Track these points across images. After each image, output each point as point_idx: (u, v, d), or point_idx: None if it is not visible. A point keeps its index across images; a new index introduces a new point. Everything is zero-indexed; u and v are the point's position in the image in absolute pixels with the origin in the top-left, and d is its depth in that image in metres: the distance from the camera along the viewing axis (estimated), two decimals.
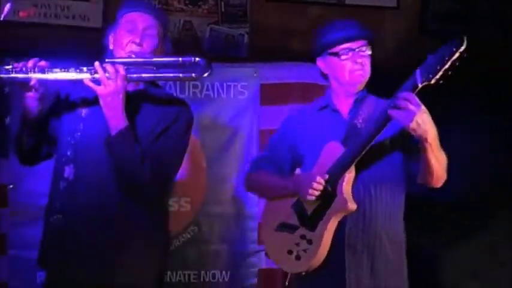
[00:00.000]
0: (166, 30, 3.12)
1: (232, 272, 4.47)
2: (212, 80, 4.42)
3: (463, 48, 2.58)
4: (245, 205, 4.49)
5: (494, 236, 4.71)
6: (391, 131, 2.92)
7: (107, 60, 2.88)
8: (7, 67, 2.84)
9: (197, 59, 2.89)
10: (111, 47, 3.06)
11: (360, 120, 3.00)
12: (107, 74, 2.80)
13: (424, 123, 2.67)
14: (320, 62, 3.14)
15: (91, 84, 2.82)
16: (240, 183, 4.43)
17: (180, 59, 2.90)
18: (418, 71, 2.66)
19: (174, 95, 3.77)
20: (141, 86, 3.05)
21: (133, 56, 2.92)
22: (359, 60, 3.02)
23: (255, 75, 4.51)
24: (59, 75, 2.85)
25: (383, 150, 2.97)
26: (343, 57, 3.02)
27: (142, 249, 2.96)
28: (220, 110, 4.48)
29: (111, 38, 3.06)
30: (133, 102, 2.93)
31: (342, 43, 3.02)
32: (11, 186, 4.28)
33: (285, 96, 4.53)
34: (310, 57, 4.53)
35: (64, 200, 2.94)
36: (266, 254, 3.31)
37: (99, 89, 2.81)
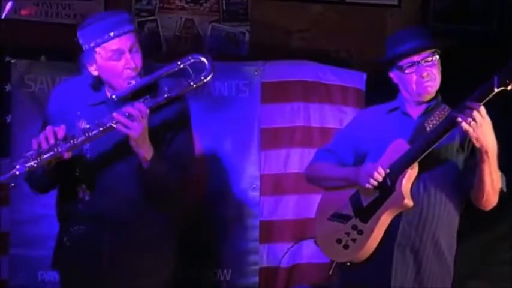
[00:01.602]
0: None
1: (233, 270, 4.47)
2: (213, 78, 4.40)
3: None
4: (246, 203, 4.48)
5: (495, 233, 4.70)
6: (459, 137, 2.94)
7: (113, 96, 2.86)
8: (30, 153, 2.78)
9: (194, 56, 2.88)
10: (95, 73, 2.95)
11: (430, 124, 2.95)
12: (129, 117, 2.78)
13: (486, 134, 2.71)
14: (391, 74, 3.12)
15: (123, 130, 2.78)
16: (240, 181, 4.46)
17: (179, 62, 2.87)
18: (495, 77, 2.66)
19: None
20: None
21: (133, 82, 2.87)
22: (425, 74, 2.97)
23: (256, 73, 4.50)
24: (83, 140, 2.82)
25: (449, 154, 2.97)
26: (407, 71, 2.99)
27: (160, 254, 3.05)
28: (222, 108, 4.47)
29: (91, 68, 2.95)
30: None
31: (405, 57, 2.99)
32: (13, 184, 4.28)
33: (286, 94, 4.52)
34: (311, 56, 4.58)
35: (83, 217, 2.99)
36: (315, 242, 3.30)
37: (131, 134, 2.78)
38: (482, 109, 2.70)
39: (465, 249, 4.60)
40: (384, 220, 2.94)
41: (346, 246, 3.03)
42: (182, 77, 2.91)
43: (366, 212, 3.00)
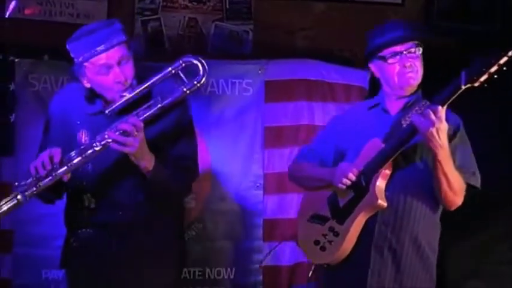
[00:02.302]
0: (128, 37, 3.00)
1: (237, 269, 4.48)
2: (217, 77, 4.42)
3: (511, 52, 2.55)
4: (250, 202, 4.49)
5: (494, 233, 4.70)
6: None
7: (106, 111, 2.85)
8: (29, 182, 2.82)
9: (185, 59, 2.85)
10: (88, 86, 2.95)
11: (408, 121, 2.93)
12: (118, 133, 2.77)
13: (438, 137, 2.69)
14: (371, 66, 3.10)
15: (118, 148, 2.78)
16: (244, 179, 4.46)
17: (170, 68, 2.85)
18: (463, 73, 2.64)
19: None
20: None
21: (126, 94, 2.86)
22: (408, 64, 2.96)
23: (259, 72, 4.50)
24: (80, 161, 2.82)
25: (424, 152, 2.95)
26: (390, 60, 2.97)
27: (164, 259, 3.06)
28: (225, 107, 4.47)
29: (83, 80, 2.95)
30: None
31: (388, 46, 2.97)
32: (16, 184, 4.27)
33: (290, 93, 4.52)
34: (314, 54, 4.58)
35: (90, 223, 3.00)
36: (297, 243, 3.32)
37: (127, 150, 2.78)
38: (440, 112, 2.67)
39: (464, 249, 4.64)
40: (359, 221, 2.94)
41: (323, 248, 3.03)
42: (177, 80, 2.89)
43: (342, 213, 3.00)
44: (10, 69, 4.32)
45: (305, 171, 3.26)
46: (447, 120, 2.74)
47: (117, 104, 2.85)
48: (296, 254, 4.45)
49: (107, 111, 2.86)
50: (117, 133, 2.76)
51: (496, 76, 2.59)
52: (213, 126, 4.43)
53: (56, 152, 2.82)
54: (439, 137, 2.69)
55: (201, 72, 2.83)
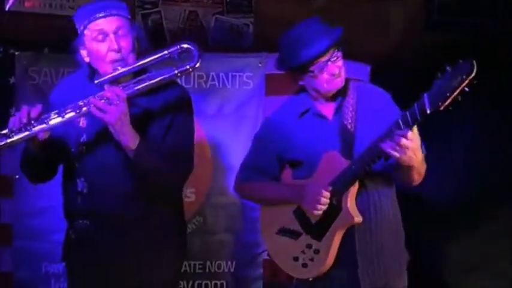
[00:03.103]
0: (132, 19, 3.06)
1: (237, 262, 4.49)
2: (217, 70, 4.42)
3: (473, 75, 2.48)
4: None
5: (494, 230, 4.71)
6: None
7: (96, 81, 2.86)
8: (3, 132, 2.79)
9: (184, 45, 2.85)
10: (87, 60, 2.98)
11: (349, 121, 2.98)
12: (102, 101, 2.77)
13: (414, 154, 2.67)
14: (294, 77, 3.09)
15: (98, 114, 2.77)
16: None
17: (166, 51, 2.85)
18: (425, 97, 2.58)
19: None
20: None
21: (119, 68, 2.86)
22: (336, 72, 2.98)
23: (260, 65, 4.50)
24: (59, 119, 2.81)
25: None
26: (318, 73, 2.97)
27: (164, 247, 3.03)
28: (226, 101, 4.48)
29: (83, 53, 2.97)
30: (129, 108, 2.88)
31: (315, 61, 2.96)
32: (17, 176, 4.28)
33: (290, 86, 4.51)
34: None
35: (84, 211, 2.99)
36: (268, 255, 3.30)
37: (107, 118, 2.77)
38: (411, 134, 2.64)
39: (465, 245, 4.65)
40: (337, 238, 2.94)
41: (305, 265, 3.02)
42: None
43: (317, 230, 2.99)
44: (10, 62, 4.32)
45: (260, 191, 3.22)
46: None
47: (109, 76, 2.86)
48: None
49: (96, 81, 2.85)
50: (101, 101, 2.77)
51: (460, 99, 2.52)
52: (213, 120, 4.43)
53: (35, 109, 2.81)
54: (413, 153, 2.67)
55: (195, 58, 2.82)
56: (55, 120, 2.81)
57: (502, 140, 4.63)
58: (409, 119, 2.63)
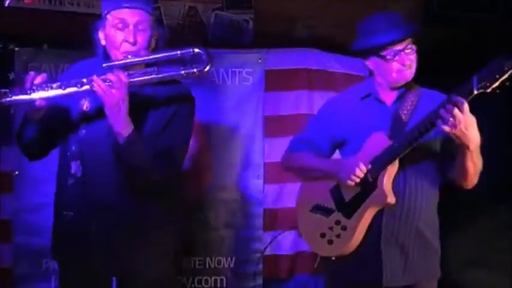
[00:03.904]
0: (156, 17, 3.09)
1: (237, 258, 4.48)
2: (217, 66, 4.41)
3: None
4: (250, 191, 4.50)
5: (494, 223, 4.71)
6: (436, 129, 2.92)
7: (104, 65, 2.87)
8: (3, 90, 2.81)
9: (196, 50, 2.87)
10: (103, 43, 3.01)
11: (405, 112, 3.00)
12: (107, 83, 2.78)
13: (468, 131, 2.69)
14: (368, 63, 3.11)
15: (98, 92, 2.79)
16: (244, 169, 4.47)
17: (179, 52, 2.88)
18: (475, 78, 2.64)
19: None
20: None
21: (129, 56, 2.89)
22: (407, 63, 3.00)
23: (259, 61, 4.50)
24: (59, 91, 2.83)
25: (426, 145, 2.96)
26: (390, 59, 3.00)
27: (155, 238, 3.00)
28: (225, 97, 4.47)
29: (101, 34, 3.01)
30: (131, 99, 2.88)
31: (388, 47, 2.99)
32: (16, 172, 4.28)
33: (290, 82, 4.52)
34: (314, 43, 4.57)
35: (73, 196, 2.97)
36: (299, 234, 3.33)
37: (106, 99, 2.78)
38: (465, 106, 2.67)
39: (465, 238, 4.64)
40: (367, 217, 2.97)
41: (330, 242, 3.05)
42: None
43: (349, 207, 3.02)
44: (10, 58, 4.31)
45: (303, 161, 3.24)
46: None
47: (117, 62, 2.89)
48: (296, 243, 4.46)
49: (104, 65, 2.87)
50: (104, 82, 2.78)
51: (507, 83, 2.59)
52: (213, 116, 4.43)
53: (40, 76, 2.84)
54: (468, 129, 2.68)
55: (204, 64, 2.85)
56: (55, 91, 2.82)
57: (504, 135, 4.63)
58: (461, 93, 2.69)
